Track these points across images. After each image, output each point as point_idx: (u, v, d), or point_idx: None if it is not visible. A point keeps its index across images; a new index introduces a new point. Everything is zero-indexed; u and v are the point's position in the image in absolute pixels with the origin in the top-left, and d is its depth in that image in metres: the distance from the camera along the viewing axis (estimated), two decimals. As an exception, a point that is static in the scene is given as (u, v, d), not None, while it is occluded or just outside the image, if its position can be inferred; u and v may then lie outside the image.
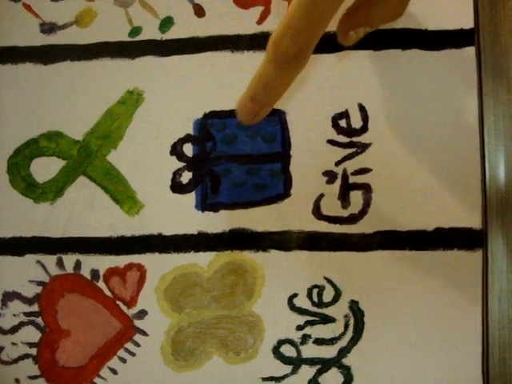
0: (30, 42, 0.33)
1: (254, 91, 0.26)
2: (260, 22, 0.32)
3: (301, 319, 0.31)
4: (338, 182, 0.31)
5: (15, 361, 0.33)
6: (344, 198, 0.31)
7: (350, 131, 0.31)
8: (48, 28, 0.33)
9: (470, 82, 0.31)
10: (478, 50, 0.31)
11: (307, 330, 0.31)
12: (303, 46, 0.24)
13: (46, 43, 0.33)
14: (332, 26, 0.31)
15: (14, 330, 0.33)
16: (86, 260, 0.32)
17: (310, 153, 0.31)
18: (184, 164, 0.32)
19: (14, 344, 0.33)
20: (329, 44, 0.31)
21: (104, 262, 0.32)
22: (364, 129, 0.31)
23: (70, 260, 0.32)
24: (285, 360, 0.31)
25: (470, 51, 0.31)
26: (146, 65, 0.33)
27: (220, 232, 0.31)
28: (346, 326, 0.31)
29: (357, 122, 0.31)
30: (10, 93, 0.33)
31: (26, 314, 0.33)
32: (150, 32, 0.33)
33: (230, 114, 0.32)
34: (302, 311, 0.31)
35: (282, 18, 0.24)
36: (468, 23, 0.31)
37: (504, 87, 0.31)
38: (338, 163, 0.31)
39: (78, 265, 0.32)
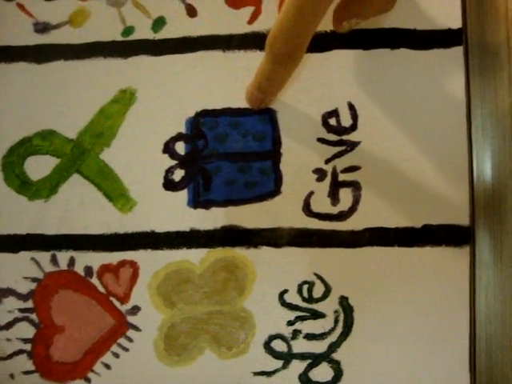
0: (23, 41, 0.34)
1: (258, 82, 0.29)
2: (251, 21, 0.32)
3: (291, 315, 0.31)
4: (328, 179, 0.31)
5: (10, 356, 0.33)
6: (334, 195, 0.31)
7: (339, 129, 0.32)
8: (41, 27, 0.34)
9: (458, 80, 0.31)
10: (466, 50, 0.31)
11: (298, 326, 0.31)
12: (294, 47, 0.25)
13: (39, 42, 0.34)
14: (322, 26, 0.32)
15: (9, 325, 0.33)
16: (80, 257, 0.33)
17: (300, 151, 0.32)
18: (176, 162, 0.32)
19: (8, 340, 0.33)
20: (319, 43, 0.32)
21: (97, 259, 0.33)
22: (353, 127, 0.32)
23: (63, 257, 0.33)
24: (276, 355, 0.31)
25: (458, 51, 0.31)
26: (138, 64, 0.33)
27: (212, 229, 0.32)
28: (336, 322, 0.31)
29: (346, 121, 0.32)
30: (3, 92, 0.34)
31: (21, 310, 0.33)
32: (143, 32, 0.33)
33: (222, 112, 0.32)
34: (292, 307, 0.31)
35: (275, 22, 0.25)
36: (456, 23, 0.31)
37: (491, 86, 0.31)
38: (327, 161, 0.32)
39: (71, 261, 0.33)
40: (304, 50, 0.26)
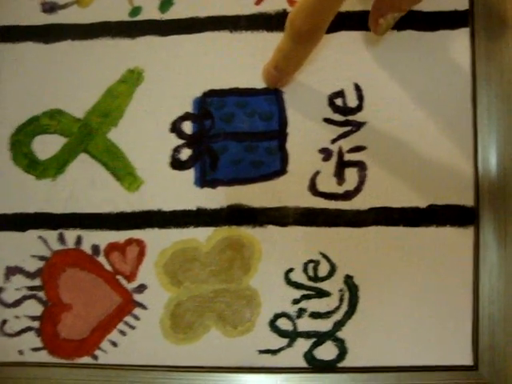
0: (31, 21, 0.34)
1: (276, 61, 0.29)
2: (258, 2, 0.33)
3: (297, 293, 0.32)
4: (334, 159, 0.32)
5: (18, 333, 0.33)
6: (339, 175, 0.32)
7: (345, 110, 0.32)
8: (49, 7, 0.34)
9: (464, 62, 0.31)
10: (472, 32, 0.31)
11: (303, 304, 0.32)
12: (315, 25, 0.26)
13: (47, 22, 0.34)
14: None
15: (17, 303, 0.33)
16: (87, 235, 0.33)
17: (307, 131, 0.32)
18: (183, 141, 0.33)
19: (17, 317, 0.33)
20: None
21: (104, 238, 0.33)
22: (359, 108, 0.32)
23: (71, 235, 0.33)
24: (281, 333, 0.32)
25: (464, 32, 0.31)
26: (146, 44, 0.33)
27: (218, 208, 0.32)
28: (341, 300, 0.31)
29: (352, 101, 0.32)
30: (11, 71, 0.34)
31: (29, 288, 0.33)
32: (150, 12, 0.33)
33: (229, 92, 0.32)
34: (297, 285, 0.32)
35: (298, 0, 0.25)
36: (462, 5, 0.32)
37: (497, 68, 0.31)
38: (333, 141, 0.32)
39: (79, 240, 0.33)
40: (324, 30, 0.26)
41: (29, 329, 0.33)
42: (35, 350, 0.33)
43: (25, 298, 0.33)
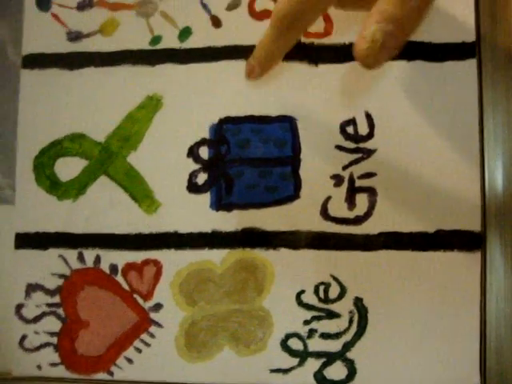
0: (57, 49, 0.35)
1: (256, 50, 0.28)
2: (273, 33, 0.34)
3: (308, 314, 0.32)
4: (345, 185, 0.33)
5: (37, 348, 0.34)
6: (350, 200, 0.33)
7: (356, 137, 0.33)
8: (74, 36, 0.35)
9: (471, 91, 0.32)
10: (479, 62, 0.32)
11: (314, 325, 0.32)
12: (295, 17, 0.25)
13: (71, 50, 0.35)
14: (342, 39, 0.33)
15: (37, 319, 0.34)
16: (106, 255, 0.34)
17: (319, 157, 0.33)
18: (200, 166, 0.34)
19: (36, 333, 0.34)
20: (339, 55, 0.33)
21: (122, 257, 0.34)
22: (370, 135, 0.33)
23: (90, 255, 0.34)
24: (292, 353, 0.32)
25: (472, 63, 0.32)
26: (165, 72, 0.34)
27: (233, 231, 0.33)
28: (351, 322, 0.32)
29: (363, 129, 0.33)
30: (37, 96, 0.35)
31: (48, 305, 0.34)
32: (170, 41, 0.34)
33: (245, 119, 0.34)
34: (309, 307, 0.33)
35: None
36: (470, 37, 0.32)
37: (503, 96, 0.32)
38: (345, 167, 0.33)
39: (97, 259, 0.34)
40: (304, 24, 0.26)
41: (47, 344, 0.34)
42: (53, 365, 0.34)
43: (44, 314, 0.34)
